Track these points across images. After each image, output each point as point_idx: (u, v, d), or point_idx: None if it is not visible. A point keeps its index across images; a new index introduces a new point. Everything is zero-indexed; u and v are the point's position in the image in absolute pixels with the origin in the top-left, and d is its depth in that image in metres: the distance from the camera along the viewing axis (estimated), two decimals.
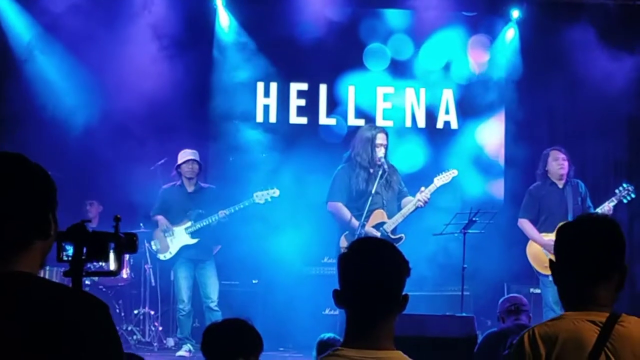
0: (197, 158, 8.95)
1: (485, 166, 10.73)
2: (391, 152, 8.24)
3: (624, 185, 8.14)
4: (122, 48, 9.75)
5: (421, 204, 7.67)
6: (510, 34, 10.77)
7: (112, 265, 2.24)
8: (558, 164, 8.16)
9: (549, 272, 8.59)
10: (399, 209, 7.85)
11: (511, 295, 6.16)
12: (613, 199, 8.04)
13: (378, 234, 7.47)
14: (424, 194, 7.68)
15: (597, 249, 2.50)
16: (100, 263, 2.22)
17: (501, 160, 10.78)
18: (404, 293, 2.40)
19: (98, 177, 9.62)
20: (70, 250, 2.16)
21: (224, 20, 10.52)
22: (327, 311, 9.38)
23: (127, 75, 9.59)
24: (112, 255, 2.22)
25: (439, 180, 7.88)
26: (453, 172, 7.97)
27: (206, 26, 10.48)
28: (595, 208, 8.10)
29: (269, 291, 9.76)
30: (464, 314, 7.01)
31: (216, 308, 8.82)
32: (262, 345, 3.51)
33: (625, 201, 8.13)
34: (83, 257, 2.16)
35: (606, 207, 7.97)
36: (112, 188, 9.50)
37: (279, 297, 9.62)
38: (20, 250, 1.90)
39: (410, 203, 7.73)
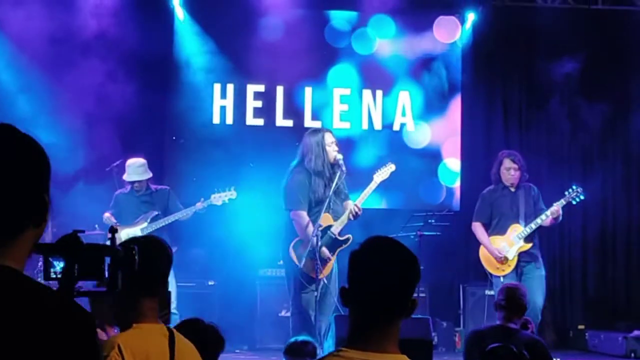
0: (147, 175, 8.73)
1: (441, 168, 10.80)
2: (348, 154, 8.16)
3: (574, 187, 8.06)
4: (75, 52, 9.64)
5: (352, 216, 7.33)
6: (465, 35, 10.86)
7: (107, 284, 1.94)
8: (510, 174, 8.09)
9: (500, 274, 8.55)
10: (343, 211, 7.45)
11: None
12: (562, 200, 7.98)
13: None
14: (355, 206, 7.32)
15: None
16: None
17: (458, 162, 10.84)
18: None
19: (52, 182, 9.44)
20: (59, 266, 1.86)
21: (182, 21, 10.48)
22: (282, 313, 9.36)
23: (81, 79, 9.48)
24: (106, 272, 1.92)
25: (379, 177, 7.52)
26: (390, 167, 7.61)
27: (164, 27, 10.39)
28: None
29: (225, 293, 9.73)
30: (419, 316, 7.03)
31: (174, 311, 8.66)
32: (223, 343, 3.42)
33: (574, 202, 8.07)
34: (75, 275, 1.83)
35: (554, 209, 7.90)
36: (67, 192, 9.36)
37: (234, 298, 9.60)
38: (9, 239, 1.58)
39: (347, 211, 7.38)
